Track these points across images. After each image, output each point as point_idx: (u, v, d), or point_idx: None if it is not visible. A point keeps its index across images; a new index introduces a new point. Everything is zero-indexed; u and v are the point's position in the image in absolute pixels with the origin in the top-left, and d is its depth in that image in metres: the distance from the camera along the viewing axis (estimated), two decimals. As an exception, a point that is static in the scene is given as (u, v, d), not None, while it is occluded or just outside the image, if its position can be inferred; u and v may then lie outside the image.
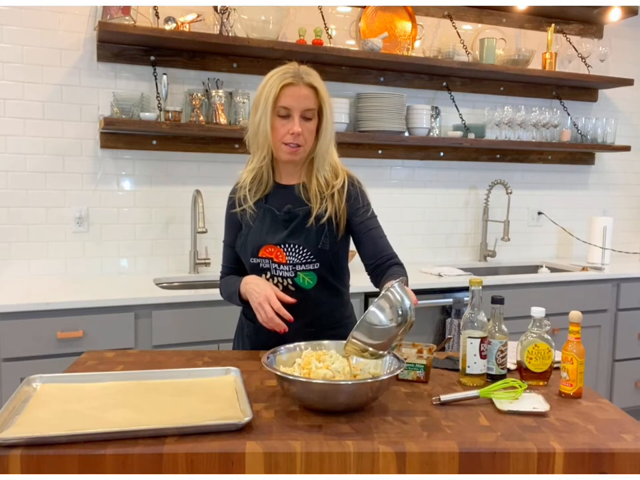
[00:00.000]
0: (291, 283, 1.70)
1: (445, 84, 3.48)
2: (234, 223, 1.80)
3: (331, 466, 1.13)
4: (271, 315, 1.57)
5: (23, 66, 2.72)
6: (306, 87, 1.64)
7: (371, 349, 1.31)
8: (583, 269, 3.45)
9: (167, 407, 1.25)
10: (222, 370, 1.47)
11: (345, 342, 1.35)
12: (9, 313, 2.26)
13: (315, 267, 1.69)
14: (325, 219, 1.68)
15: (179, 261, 3.04)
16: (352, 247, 1.80)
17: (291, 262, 1.68)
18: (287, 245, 1.69)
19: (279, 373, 1.29)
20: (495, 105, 3.51)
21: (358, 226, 1.73)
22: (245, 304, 1.71)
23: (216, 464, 1.11)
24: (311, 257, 1.68)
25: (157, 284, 2.77)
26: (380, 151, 3.36)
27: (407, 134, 3.29)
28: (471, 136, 3.42)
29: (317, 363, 1.39)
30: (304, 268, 1.69)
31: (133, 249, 2.96)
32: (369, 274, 1.75)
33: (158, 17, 2.78)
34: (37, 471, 1.09)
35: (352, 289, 1.89)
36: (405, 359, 1.47)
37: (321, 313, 1.73)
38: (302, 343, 1.49)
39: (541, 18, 3.67)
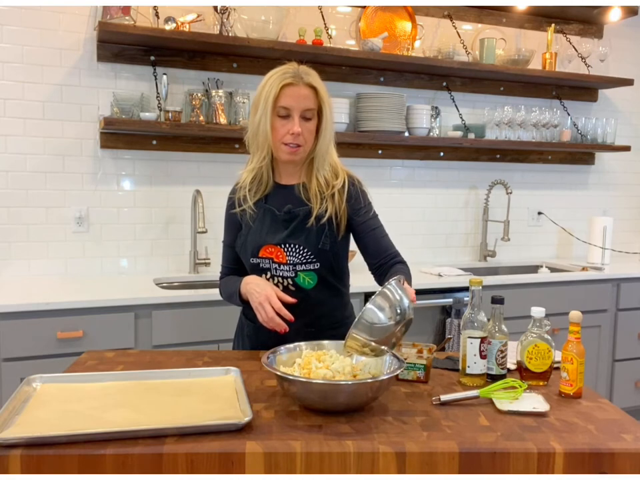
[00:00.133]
0: (291, 282, 1.70)
1: (445, 84, 3.48)
2: (234, 223, 1.80)
3: (331, 466, 1.13)
4: (272, 315, 1.57)
5: (23, 66, 2.72)
6: (306, 87, 1.64)
7: (373, 343, 1.32)
8: (583, 268, 3.45)
9: (167, 407, 1.25)
10: (222, 370, 1.47)
11: (344, 341, 1.35)
12: (8, 313, 2.26)
13: (315, 267, 1.69)
14: (325, 219, 1.68)
15: (179, 261, 3.04)
16: (352, 246, 1.80)
17: (291, 262, 1.69)
18: (287, 245, 1.69)
19: (279, 373, 1.29)
20: (495, 104, 3.51)
21: (360, 226, 1.73)
22: (245, 304, 1.71)
23: (216, 464, 1.11)
24: (311, 256, 1.68)
25: (157, 284, 2.77)
26: (380, 151, 3.36)
27: (407, 134, 3.29)
28: (471, 136, 3.42)
29: (316, 362, 1.39)
30: (304, 268, 1.69)
31: (132, 248, 2.96)
32: (372, 273, 1.76)
33: (158, 17, 2.78)
34: (37, 471, 1.09)
35: (352, 289, 1.89)
36: (405, 359, 1.47)
37: (321, 313, 1.73)
38: (302, 343, 1.49)
39: (541, 18, 3.67)
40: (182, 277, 2.97)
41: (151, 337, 2.45)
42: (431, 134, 3.39)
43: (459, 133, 3.36)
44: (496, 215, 3.62)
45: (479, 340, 1.47)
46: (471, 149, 3.56)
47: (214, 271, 2.82)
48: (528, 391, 1.42)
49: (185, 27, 2.78)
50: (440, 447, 1.15)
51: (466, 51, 3.37)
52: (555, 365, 1.53)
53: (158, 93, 2.84)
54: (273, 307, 1.57)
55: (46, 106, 2.77)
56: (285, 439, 1.16)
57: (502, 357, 1.50)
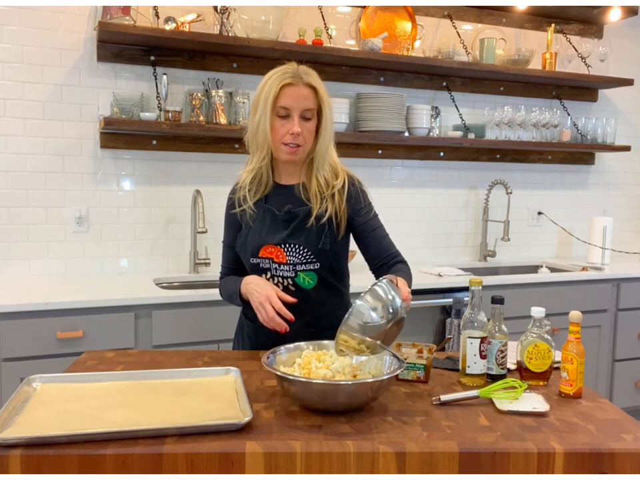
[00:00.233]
0: (291, 282, 1.70)
1: (445, 84, 3.48)
2: (234, 223, 1.80)
3: (331, 466, 1.13)
4: (272, 315, 1.57)
5: (23, 66, 2.72)
6: (305, 87, 1.64)
7: (367, 339, 1.32)
8: (583, 268, 3.45)
9: (167, 407, 1.25)
10: (222, 370, 1.47)
11: (335, 340, 1.36)
12: (8, 313, 2.26)
13: (315, 267, 1.69)
14: (325, 218, 1.68)
15: (179, 261, 3.04)
16: (352, 246, 1.80)
17: (291, 262, 1.69)
18: (287, 245, 1.69)
19: (279, 373, 1.29)
20: (495, 104, 3.51)
21: (361, 226, 1.73)
22: (246, 304, 1.71)
23: (216, 464, 1.11)
24: (311, 256, 1.68)
25: (157, 284, 2.77)
26: (380, 151, 3.36)
27: (407, 134, 3.29)
28: (471, 136, 3.42)
29: (316, 362, 1.39)
30: (304, 268, 1.69)
31: (133, 248, 2.96)
32: (373, 273, 1.76)
33: (158, 17, 2.78)
34: (37, 471, 1.09)
35: (352, 289, 1.89)
36: (405, 359, 1.47)
37: (321, 313, 1.73)
38: (302, 343, 1.49)
39: (541, 18, 3.67)
40: (182, 277, 2.97)
41: (151, 336, 2.45)
42: (431, 134, 3.39)
43: (458, 133, 3.36)
44: (496, 215, 3.62)
45: (479, 340, 1.47)
46: (471, 149, 3.56)
47: (214, 271, 2.82)
48: (528, 390, 1.42)
49: (185, 27, 2.78)
50: (440, 446, 1.15)
51: (466, 51, 3.37)
52: (555, 365, 1.53)
53: (158, 93, 2.84)
54: (273, 307, 1.57)
55: (46, 106, 2.77)
56: (285, 438, 1.16)
57: (502, 357, 1.50)
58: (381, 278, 1.39)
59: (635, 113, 4.00)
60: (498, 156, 3.65)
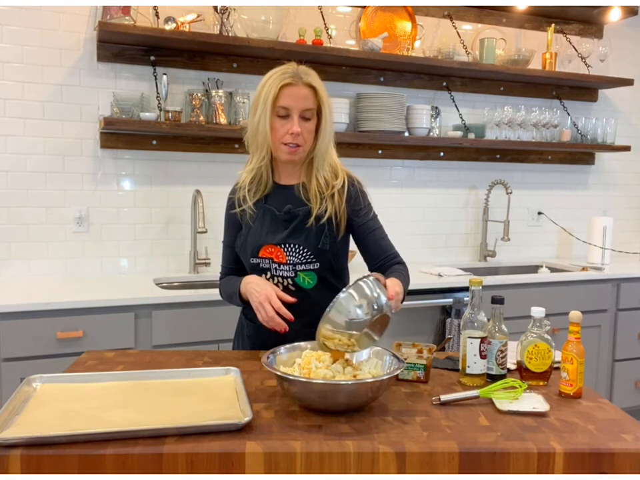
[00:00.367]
0: (291, 282, 1.70)
1: (445, 84, 3.48)
2: (233, 224, 1.80)
3: (331, 466, 1.13)
4: (272, 314, 1.57)
5: (23, 66, 2.72)
6: (305, 87, 1.64)
7: (351, 332, 1.33)
8: (583, 269, 3.45)
9: (166, 407, 1.26)
10: (222, 370, 1.47)
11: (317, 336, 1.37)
12: (8, 313, 2.26)
13: (315, 267, 1.69)
14: (325, 219, 1.68)
15: (179, 261, 3.04)
16: (352, 246, 1.80)
17: (291, 262, 1.69)
18: (287, 245, 1.69)
19: (279, 373, 1.29)
20: (495, 104, 3.51)
21: (360, 227, 1.73)
22: (245, 304, 1.71)
23: (216, 464, 1.11)
24: (311, 256, 1.68)
25: (157, 284, 2.77)
26: (380, 151, 3.36)
27: (407, 134, 3.29)
28: (471, 136, 3.42)
29: (316, 362, 1.39)
30: (304, 268, 1.69)
31: (132, 248, 2.96)
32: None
33: (158, 17, 2.78)
34: (37, 471, 1.09)
35: (352, 289, 1.89)
36: (405, 359, 1.47)
37: (321, 313, 1.72)
38: (302, 343, 1.49)
39: (541, 18, 3.67)
40: (182, 277, 2.97)
41: (151, 336, 2.45)
42: (431, 134, 3.39)
43: (459, 133, 3.36)
44: (496, 215, 3.62)
45: (479, 340, 1.47)
46: (471, 149, 3.56)
47: (214, 271, 2.82)
48: (528, 390, 1.42)
49: (185, 27, 2.78)
50: (440, 446, 1.15)
51: (466, 51, 3.37)
52: (555, 365, 1.53)
53: (158, 93, 2.84)
54: (272, 307, 1.57)
55: (46, 106, 2.77)
56: (285, 438, 1.16)
57: (502, 357, 1.50)
58: (367, 274, 1.40)
59: (635, 112, 4.00)
60: (498, 156, 3.65)
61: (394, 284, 1.48)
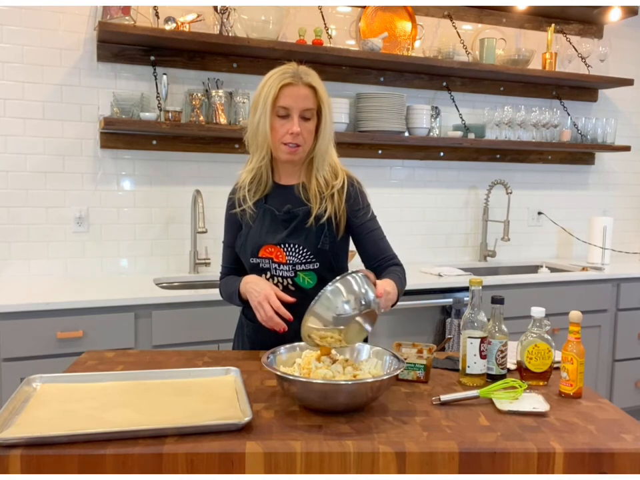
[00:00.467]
0: (290, 282, 1.70)
1: (445, 84, 3.48)
2: (234, 224, 1.80)
3: (331, 466, 1.13)
4: (271, 314, 1.57)
5: (23, 66, 2.72)
6: (305, 87, 1.64)
7: (340, 327, 1.33)
8: (583, 268, 3.45)
9: (166, 407, 1.25)
10: (222, 370, 1.47)
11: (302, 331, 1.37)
12: (8, 313, 2.26)
13: (315, 267, 1.69)
14: (325, 219, 1.68)
15: (179, 261, 3.04)
16: (352, 246, 1.80)
17: (291, 262, 1.69)
18: (286, 245, 1.69)
19: (279, 373, 1.29)
20: (495, 105, 3.51)
21: (358, 228, 1.73)
22: (245, 303, 1.71)
23: (216, 464, 1.11)
24: (311, 256, 1.68)
25: (157, 284, 2.78)
26: (380, 151, 3.36)
27: (407, 134, 3.29)
28: (471, 136, 3.42)
29: (316, 363, 1.39)
30: (304, 268, 1.69)
31: (133, 248, 2.96)
32: None
33: (158, 17, 2.78)
34: (37, 471, 1.09)
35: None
36: (405, 359, 1.47)
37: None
38: (302, 343, 1.49)
39: (541, 18, 3.67)
40: (182, 277, 2.97)
41: (151, 337, 2.45)
42: (431, 134, 3.39)
43: (459, 133, 3.36)
44: (496, 215, 3.62)
45: (479, 340, 1.47)
46: (471, 149, 3.56)
47: (214, 271, 2.82)
48: (528, 390, 1.42)
49: (185, 27, 2.78)
50: (440, 446, 1.15)
51: (466, 51, 3.37)
52: (555, 365, 1.53)
53: (158, 93, 2.84)
54: (272, 306, 1.57)
55: (46, 106, 2.77)
56: (285, 438, 1.16)
57: (502, 357, 1.50)
58: (356, 270, 1.40)
59: (635, 112, 4.00)
60: (498, 156, 3.65)
61: (385, 283, 1.48)
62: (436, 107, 3.42)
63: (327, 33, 3.11)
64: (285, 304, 1.59)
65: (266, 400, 1.36)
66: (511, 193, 3.44)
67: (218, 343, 2.50)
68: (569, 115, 3.74)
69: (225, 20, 2.81)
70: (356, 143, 3.24)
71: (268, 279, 1.71)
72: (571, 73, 3.54)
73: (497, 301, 1.51)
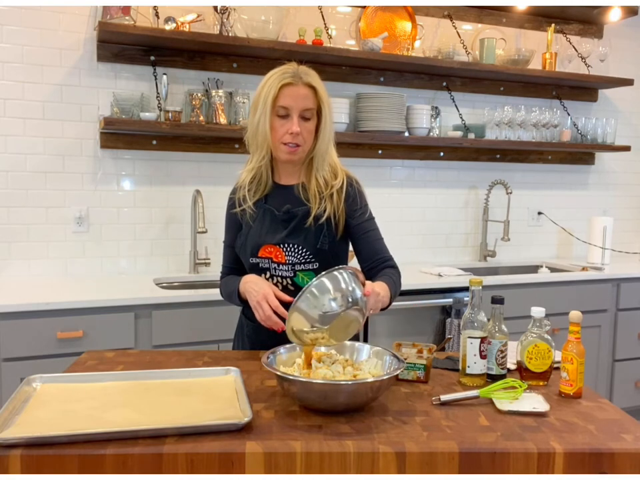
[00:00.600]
0: (290, 282, 1.70)
1: (445, 84, 3.48)
2: (234, 223, 1.81)
3: (331, 466, 1.13)
4: (269, 314, 1.57)
5: (23, 66, 2.72)
6: (305, 87, 1.64)
7: (324, 327, 1.33)
8: (583, 268, 3.45)
9: (166, 407, 1.25)
10: (222, 370, 1.47)
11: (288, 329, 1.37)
12: (9, 313, 2.26)
13: (314, 267, 1.69)
14: (324, 219, 1.68)
15: (179, 261, 3.04)
16: (352, 246, 1.80)
17: (290, 262, 1.69)
18: (286, 245, 1.69)
19: (279, 373, 1.29)
20: (495, 105, 3.51)
21: (354, 228, 1.73)
22: (244, 303, 1.71)
23: (216, 464, 1.11)
24: (310, 256, 1.68)
25: (157, 284, 2.78)
26: (380, 151, 3.36)
27: (407, 134, 3.29)
28: (471, 136, 3.42)
29: (316, 363, 1.39)
30: (303, 268, 1.69)
31: (133, 248, 2.96)
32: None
33: (158, 17, 2.78)
34: (37, 471, 1.09)
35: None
36: (405, 359, 1.47)
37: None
38: (302, 343, 1.49)
39: (541, 18, 3.67)
40: (182, 277, 2.97)
41: (151, 337, 2.45)
42: (431, 134, 3.39)
43: (459, 133, 3.36)
44: (496, 215, 3.62)
45: (479, 340, 1.47)
46: (471, 149, 3.56)
47: (214, 271, 2.82)
48: (528, 390, 1.42)
49: (185, 27, 2.78)
50: (440, 446, 1.15)
51: (466, 51, 3.37)
52: (555, 365, 1.53)
53: (158, 93, 2.84)
54: (270, 306, 1.57)
55: (46, 106, 2.77)
56: (285, 438, 1.16)
57: (502, 357, 1.50)
58: (343, 266, 1.39)
59: (635, 112, 4.01)
60: (498, 156, 3.65)
61: (375, 284, 1.47)
62: (436, 107, 3.42)
63: (327, 32, 3.11)
64: (284, 303, 1.59)
65: (266, 400, 1.36)
66: (510, 193, 3.44)
67: (218, 343, 2.50)
68: (569, 115, 3.74)
69: (225, 20, 2.82)
70: (356, 143, 3.24)
71: (267, 279, 1.71)
72: (570, 73, 3.54)
73: (496, 301, 1.51)
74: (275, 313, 1.57)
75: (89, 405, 1.26)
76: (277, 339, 1.58)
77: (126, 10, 2.64)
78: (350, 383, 1.27)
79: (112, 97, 2.79)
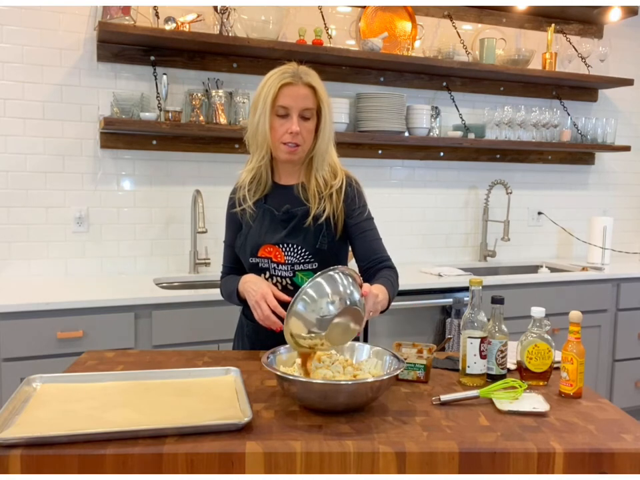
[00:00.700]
0: (289, 282, 1.70)
1: (445, 84, 3.48)
2: (234, 223, 1.81)
3: (331, 466, 1.12)
4: (267, 313, 1.57)
5: (23, 66, 2.72)
6: (304, 87, 1.64)
7: (322, 332, 1.31)
8: (583, 269, 3.45)
9: (166, 407, 1.25)
10: (222, 370, 1.47)
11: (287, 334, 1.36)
12: (9, 313, 2.26)
13: (314, 267, 1.69)
14: (323, 218, 1.68)
15: (179, 261, 3.04)
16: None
17: (290, 262, 1.69)
18: (285, 245, 1.69)
19: (279, 373, 1.29)
20: (495, 105, 3.51)
21: (352, 227, 1.73)
22: (244, 303, 1.71)
23: (216, 464, 1.11)
24: (309, 256, 1.68)
25: (157, 284, 2.77)
26: (380, 151, 3.36)
27: (407, 134, 3.29)
28: (471, 136, 3.42)
29: (317, 362, 1.38)
30: (302, 268, 1.69)
31: (133, 248, 2.96)
32: (360, 275, 1.75)
33: (158, 17, 2.78)
34: (37, 471, 1.09)
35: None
36: (405, 359, 1.47)
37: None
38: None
39: (541, 18, 3.67)
40: (182, 277, 2.97)
41: (151, 337, 2.45)
42: (431, 134, 3.39)
43: (459, 133, 3.36)
44: (496, 215, 3.62)
45: (479, 340, 1.47)
46: (471, 149, 3.56)
47: (214, 271, 2.83)
48: (528, 390, 1.42)
49: (185, 27, 2.78)
50: (440, 446, 1.15)
51: (466, 51, 3.37)
52: (555, 365, 1.53)
53: (158, 93, 2.84)
54: (269, 305, 1.57)
55: (46, 106, 2.77)
56: (285, 438, 1.16)
57: (502, 357, 1.50)
58: (337, 266, 1.39)
59: (635, 112, 4.01)
60: (498, 156, 3.65)
61: (374, 287, 1.47)
62: (436, 107, 3.42)
63: (327, 32, 3.11)
64: (282, 303, 1.59)
65: (266, 400, 1.36)
66: (510, 193, 3.44)
67: (218, 343, 2.50)
68: (569, 115, 3.74)
69: (225, 20, 2.81)
70: (356, 143, 3.24)
71: (267, 279, 1.72)
72: (570, 73, 3.54)
73: (496, 301, 1.51)
74: (274, 312, 1.57)
75: (88, 405, 1.26)
76: (277, 339, 1.57)
77: (126, 10, 2.64)
78: (350, 383, 1.27)
79: (112, 97, 2.79)
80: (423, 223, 3.54)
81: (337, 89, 3.21)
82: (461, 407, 1.35)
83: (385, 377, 1.27)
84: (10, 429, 1.13)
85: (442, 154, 3.51)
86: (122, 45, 2.82)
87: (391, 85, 3.36)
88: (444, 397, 1.36)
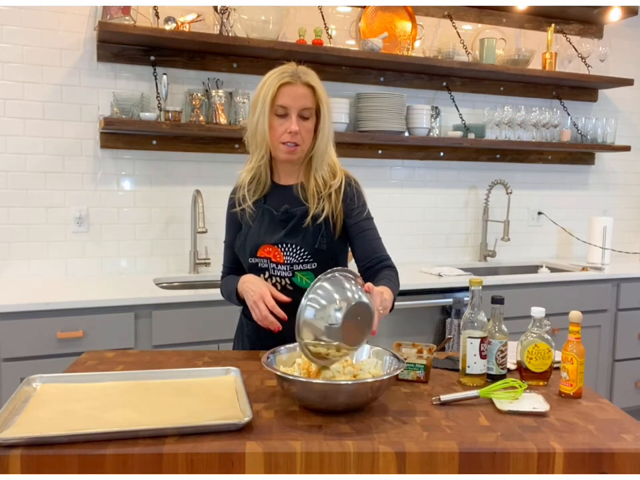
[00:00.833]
0: (288, 282, 1.70)
1: (445, 84, 3.48)
2: (234, 223, 1.81)
3: (331, 466, 1.12)
4: (265, 313, 1.57)
5: (23, 66, 2.72)
6: (303, 87, 1.64)
7: (334, 342, 1.30)
8: (583, 269, 3.45)
9: (166, 407, 1.25)
10: (222, 370, 1.47)
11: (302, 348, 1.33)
12: (9, 313, 2.26)
13: (313, 267, 1.69)
14: (322, 218, 1.68)
15: (179, 261, 3.04)
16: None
17: (289, 262, 1.69)
18: (284, 245, 1.69)
19: (279, 373, 1.29)
20: (495, 105, 3.51)
21: (352, 227, 1.72)
22: (243, 303, 1.71)
23: (216, 464, 1.11)
24: (308, 256, 1.68)
25: (157, 284, 2.77)
26: (380, 151, 3.36)
27: (407, 134, 3.29)
28: (471, 136, 3.42)
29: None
30: (301, 268, 1.69)
31: (133, 248, 2.96)
32: (360, 275, 1.75)
33: (158, 17, 2.78)
34: (37, 471, 1.09)
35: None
36: (405, 359, 1.47)
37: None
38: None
39: (541, 18, 3.67)
40: (182, 277, 2.97)
41: (151, 337, 2.45)
42: (431, 134, 3.39)
43: (459, 133, 3.36)
44: (496, 215, 3.62)
45: (479, 340, 1.46)
46: (471, 149, 3.56)
47: (214, 271, 2.83)
48: (528, 390, 1.42)
49: (185, 27, 2.78)
50: (440, 446, 1.15)
51: (466, 51, 3.37)
52: (555, 365, 1.53)
53: (158, 93, 2.84)
54: (267, 306, 1.57)
55: (46, 106, 2.77)
56: (285, 438, 1.16)
57: (502, 357, 1.50)
58: (337, 268, 1.38)
59: (635, 112, 4.01)
60: (498, 156, 3.65)
61: (380, 289, 1.46)
62: (436, 107, 3.42)
63: (327, 32, 3.11)
64: (281, 303, 1.59)
65: (266, 400, 1.36)
66: (510, 193, 3.44)
67: (218, 343, 2.50)
68: (569, 115, 3.74)
69: (225, 20, 2.81)
70: (356, 143, 3.24)
71: (266, 279, 1.72)
72: (570, 73, 3.54)
73: (496, 301, 1.51)
74: (272, 312, 1.57)
75: (88, 405, 1.25)
76: (277, 339, 1.58)
77: (126, 10, 2.64)
78: (350, 383, 1.27)
79: (112, 97, 2.79)
80: (423, 223, 3.54)
81: (337, 88, 3.21)
82: (461, 406, 1.35)
83: (384, 377, 1.27)
84: (10, 429, 1.13)
85: (442, 154, 3.51)
86: (122, 44, 2.82)
87: (391, 85, 3.36)
88: (444, 397, 1.36)
